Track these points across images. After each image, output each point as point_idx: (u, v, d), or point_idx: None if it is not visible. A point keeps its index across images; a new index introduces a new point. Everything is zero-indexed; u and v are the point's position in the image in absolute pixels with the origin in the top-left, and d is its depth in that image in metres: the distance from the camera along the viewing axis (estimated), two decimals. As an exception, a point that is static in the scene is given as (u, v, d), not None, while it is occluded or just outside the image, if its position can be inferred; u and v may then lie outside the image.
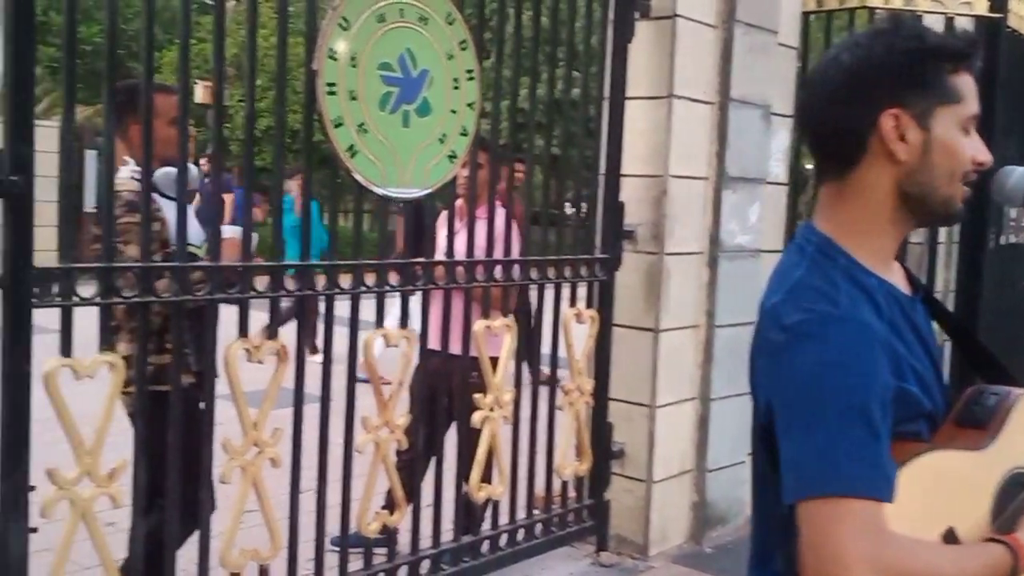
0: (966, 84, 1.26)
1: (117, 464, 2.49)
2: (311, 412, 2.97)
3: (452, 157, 3.31)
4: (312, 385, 3.00)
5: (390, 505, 3.41)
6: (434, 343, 3.46)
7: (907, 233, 1.34)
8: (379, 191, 3.11)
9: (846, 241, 1.27)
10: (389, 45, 3.07)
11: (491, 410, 3.50)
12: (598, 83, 3.98)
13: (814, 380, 1.15)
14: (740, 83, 4.22)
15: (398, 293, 3.25)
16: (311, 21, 2.92)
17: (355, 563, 3.22)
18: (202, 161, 7.86)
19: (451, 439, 3.58)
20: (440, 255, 3.49)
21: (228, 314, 2.83)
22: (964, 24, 4.62)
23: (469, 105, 3.33)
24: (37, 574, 2.42)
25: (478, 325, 3.47)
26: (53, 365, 2.38)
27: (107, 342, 2.56)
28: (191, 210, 3.07)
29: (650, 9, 3.99)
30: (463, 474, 3.53)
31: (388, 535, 3.32)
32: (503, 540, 3.70)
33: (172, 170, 2.78)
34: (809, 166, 6.78)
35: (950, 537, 1.20)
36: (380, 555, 3.32)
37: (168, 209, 2.89)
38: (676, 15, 3.97)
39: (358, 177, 3.05)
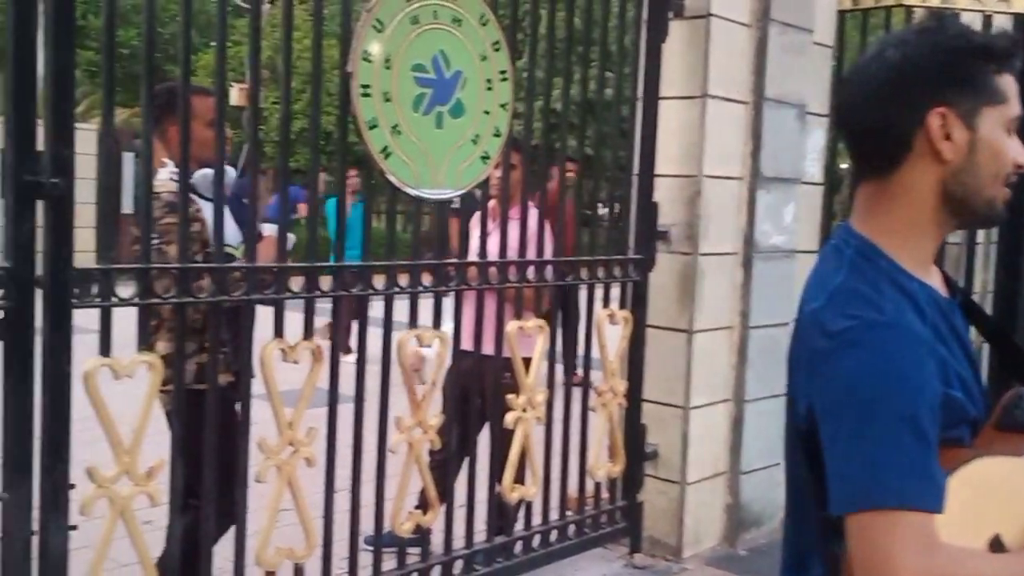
0: (1009, 85, 1.25)
1: (155, 463, 2.51)
2: (345, 412, 2.98)
3: (485, 158, 3.31)
4: (346, 385, 3.02)
5: (423, 505, 3.41)
6: (467, 344, 3.47)
7: (947, 235, 1.33)
8: (412, 192, 3.12)
9: (886, 243, 1.26)
10: (423, 47, 3.08)
11: (524, 411, 3.49)
12: (631, 83, 3.97)
13: (862, 389, 1.14)
14: (775, 82, 4.19)
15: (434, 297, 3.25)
16: (346, 23, 2.94)
17: (389, 562, 3.23)
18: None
19: (484, 440, 3.59)
20: (473, 256, 3.50)
21: (264, 315, 2.85)
22: (1002, 22, 4.55)
23: (502, 106, 3.34)
24: (77, 571, 2.45)
25: (511, 326, 3.48)
26: (92, 365, 2.41)
27: (145, 342, 2.59)
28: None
29: (684, 8, 3.97)
30: (496, 475, 3.53)
31: (421, 535, 3.33)
32: (536, 541, 3.70)
33: (211, 171, 2.81)
34: (844, 166, 6.71)
35: (997, 544, 1.19)
36: (414, 555, 3.34)
37: (208, 210, 2.91)
38: (710, 14, 3.95)
39: (392, 178, 3.06)
